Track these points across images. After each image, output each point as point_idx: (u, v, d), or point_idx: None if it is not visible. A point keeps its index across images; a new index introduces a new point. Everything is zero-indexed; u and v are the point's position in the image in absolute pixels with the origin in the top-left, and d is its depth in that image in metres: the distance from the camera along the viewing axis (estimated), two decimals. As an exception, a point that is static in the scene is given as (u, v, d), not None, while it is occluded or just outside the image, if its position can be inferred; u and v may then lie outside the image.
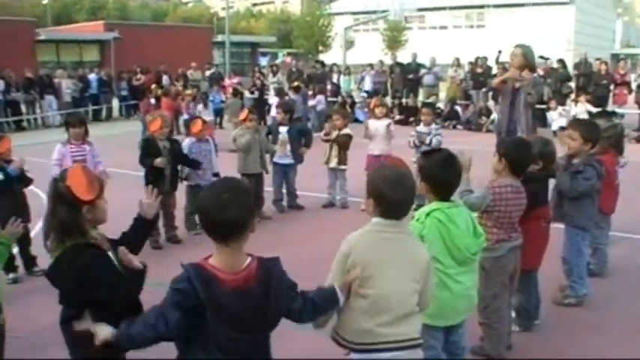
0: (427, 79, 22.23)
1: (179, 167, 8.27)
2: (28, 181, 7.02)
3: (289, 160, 9.49)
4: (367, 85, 23.50)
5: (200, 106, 16.72)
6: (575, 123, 6.17)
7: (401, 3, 26.54)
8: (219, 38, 43.08)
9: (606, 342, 5.21)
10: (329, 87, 23.15)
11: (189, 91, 18.06)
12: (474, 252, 3.85)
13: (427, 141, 8.86)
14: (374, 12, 33.66)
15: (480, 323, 4.72)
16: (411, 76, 22.44)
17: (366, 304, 3.11)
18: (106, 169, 7.57)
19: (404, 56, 25.49)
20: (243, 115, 9.13)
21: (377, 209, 3.17)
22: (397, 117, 20.91)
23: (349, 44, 55.33)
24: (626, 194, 7.31)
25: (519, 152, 4.58)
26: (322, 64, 24.81)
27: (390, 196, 3.11)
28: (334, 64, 26.63)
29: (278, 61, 34.25)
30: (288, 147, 9.39)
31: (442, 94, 22.73)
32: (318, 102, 19.21)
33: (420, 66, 22.83)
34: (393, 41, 50.92)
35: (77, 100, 23.93)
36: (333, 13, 56.28)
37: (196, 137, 8.44)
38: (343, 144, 9.48)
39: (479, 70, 21.38)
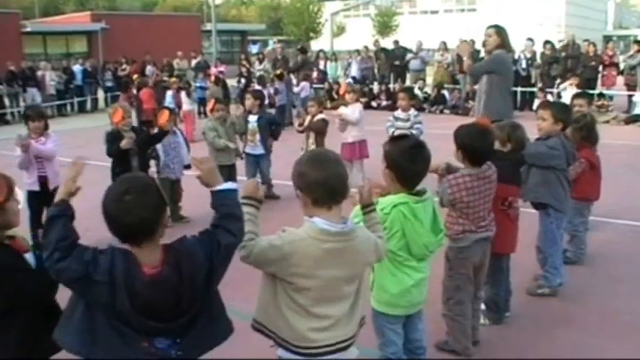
0: (414, 64, 21.99)
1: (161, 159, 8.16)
2: None
3: (261, 151, 9.23)
4: (354, 71, 23.24)
5: (183, 94, 16.43)
6: (545, 103, 5.98)
7: (388, -13, 26.17)
8: (209, 27, 42.68)
9: (580, 335, 4.97)
10: (315, 74, 22.90)
11: (173, 79, 17.79)
12: (432, 250, 3.70)
13: (406, 127, 8.64)
14: (363, -3, 33.44)
15: (442, 315, 4.52)
16: (397, 63, 22.17)
17: (297, 308, 2.87)
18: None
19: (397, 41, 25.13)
20: (210, 105, 8.92)
21: (305, 198, 2.87)
22: (384, 103, 20.74)
23: (340, 30, 55.21)
24: (609, 177, 7.11)
25: (474, 141, 4.27)
26: (304, 50, 24.43)
27: (311, 175, 2.82)
28: (321, 51, 26.34)
29: (268, 49, 33.93)
30: (258, 137, 9.13)
31: (429, 79, 22.44)
32: (302, 88, 18.91)
33: (407, 51, 22.57)
34: (384, 26, 50.52)
35: (61, 92, 23.64)
36: (323, -1, 55.85)
37: (163, 128, 8.15)
38: (318, 129, 9.20)
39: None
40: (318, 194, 2.82)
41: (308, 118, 9.38)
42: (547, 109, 5.41)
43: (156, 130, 8.25)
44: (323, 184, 2.80)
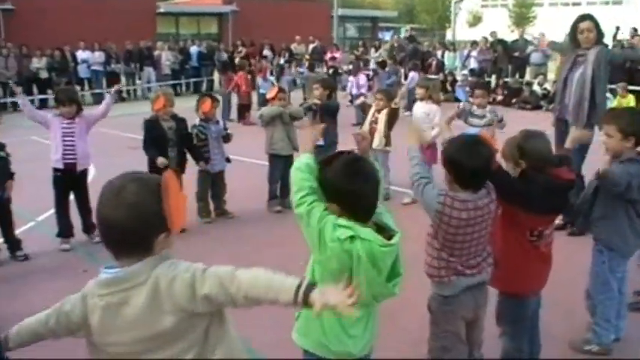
0: (535, 57, 20.22)
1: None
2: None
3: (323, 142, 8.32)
4: (472, 62, 21.82)
5: (272, 79, 16.10)
6: (609, 115, 4.59)
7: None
8: (341, 12, 42.05)
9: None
10: (434, 63, 21.90)
11: (260, 64, 17.56)
12: (380, 300, 2.74)
13: (481, 124, 7.67)
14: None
15: (431, 380, 3.55)
16: (516, 54, 20.56)
17: None
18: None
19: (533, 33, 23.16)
20: (272, 93, 8.19)
21: None
22: (500, 97, 19.29)
23: (476, 20, 53.00)
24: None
25: (461, 155, 3.25)
26: (413, 39, 23.32)
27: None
28: (440, 40, 25.12)
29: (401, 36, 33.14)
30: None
31: (551, 75, 20.56)
32: (411, 80, 17.71)
33: (528, 43, 20.84)
34: (521, 18, 47.99)
35: (177, 72, 23.91)
36: (458, -13, 53.85)
37: (205, 117, 7.55)
38: (393, 113, 8.40)
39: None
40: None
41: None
42: (612, 124, 4.19)
43: (198, 121, 7.63)
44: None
